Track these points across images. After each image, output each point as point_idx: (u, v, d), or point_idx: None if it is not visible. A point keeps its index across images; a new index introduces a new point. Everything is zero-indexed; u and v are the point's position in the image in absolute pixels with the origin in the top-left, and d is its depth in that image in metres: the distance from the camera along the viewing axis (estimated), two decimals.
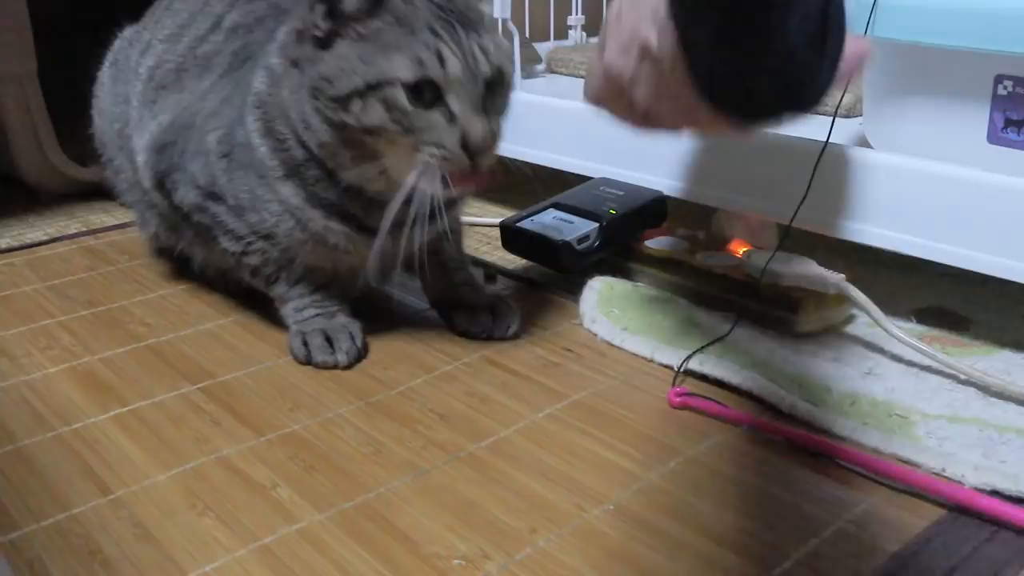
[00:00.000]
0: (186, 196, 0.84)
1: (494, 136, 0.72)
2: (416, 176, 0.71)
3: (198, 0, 0.94)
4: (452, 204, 0.81)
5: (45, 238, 1.16)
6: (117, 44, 1.04)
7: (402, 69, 0.69)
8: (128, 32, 1.03)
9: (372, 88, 0.69)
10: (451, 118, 0.70)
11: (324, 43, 0.72)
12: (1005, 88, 0.80)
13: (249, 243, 0.82)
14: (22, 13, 1.21)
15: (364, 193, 0.77)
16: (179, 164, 0.85)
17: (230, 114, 0.81)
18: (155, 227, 0.97)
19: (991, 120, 0.81)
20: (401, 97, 0.69)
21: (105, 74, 1.02)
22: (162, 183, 0.87)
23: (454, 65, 0.69)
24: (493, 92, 0.72)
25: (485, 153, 0.71)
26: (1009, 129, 0.81)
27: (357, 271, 0.84)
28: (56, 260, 1.08)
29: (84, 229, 1.19)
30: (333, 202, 0.78)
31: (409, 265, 0.85)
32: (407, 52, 0.69)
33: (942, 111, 0.84)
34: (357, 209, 0.78)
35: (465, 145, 0.70)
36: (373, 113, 0.70)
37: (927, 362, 0.78)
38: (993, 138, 0.82)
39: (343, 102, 0.71)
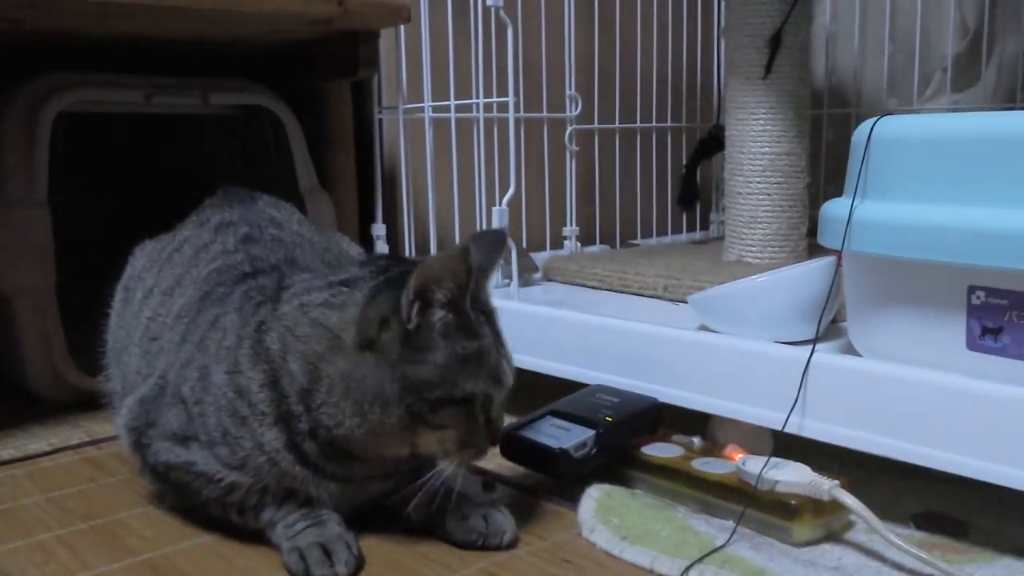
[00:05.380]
0: (159, 452, 0.88)
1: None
2: (447, 463, 0.82)
3: (191, 253, 1.02)
4: None
5: (48, 448, 1.17)
6: (129, 270, 1.09)
7: (489, 386, 0.80)
8: (140, 260, 1.09)
9: (466, 400, 0.79)
10: (488, 421, 0.82)
11: (410, 339, 0.78)
12: (978, 298, 0.84)
13: (221, 479, 0.84)
14: (46, 230, 1.27)
15: (343, 451, 0.82)
16: (152, 421, 0.89)
17: (202, 361, 0.86)
18: None
19: (968, 328, 0.85)
20: (477, 407, 0.80)
21: (117, 296, 1.08)
22: (138, 441, 0.91)
23: (509, 380, 0.83)
24: None
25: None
26: (987, 337, 0.84)
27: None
28: (58, 471, 1.09)
29: (87, 439, 1.20)
30: (305, 453, 0.82)
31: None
32: (488, 369, 0.80)
33: (922, 320, 0.88)
34: (326, 462, 0.83)
35: (492, 440, 0.83)
36: (454, 418, 0.80)
37: (928, 570, 0.78)
38: (972, 345, 0.85)
39: (433, 404, 0.78)
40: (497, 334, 0.83)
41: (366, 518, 0.89)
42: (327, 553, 0.81)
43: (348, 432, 0.80)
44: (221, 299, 0.91)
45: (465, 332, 0.79)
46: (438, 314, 0.78)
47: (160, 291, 1.00)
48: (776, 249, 1.45)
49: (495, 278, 1.45)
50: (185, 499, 0.90)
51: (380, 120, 1.63)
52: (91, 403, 1.31)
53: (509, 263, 1.40)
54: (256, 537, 0.87)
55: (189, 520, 0.93)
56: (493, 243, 0.89)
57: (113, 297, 1.09)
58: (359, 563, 0.82)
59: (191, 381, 0.86)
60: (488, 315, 0.83)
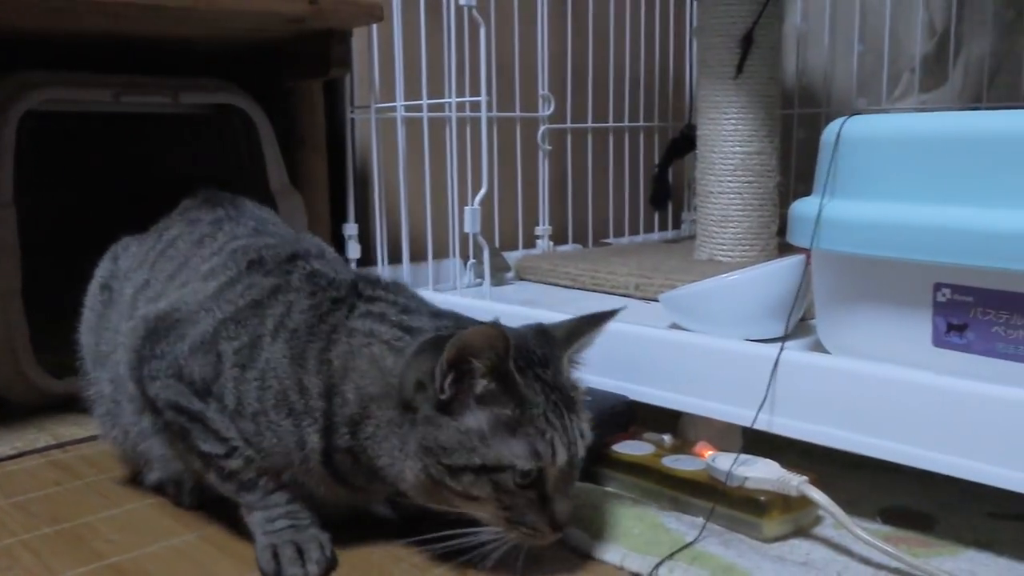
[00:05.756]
0: (167, 390, 0.84)
1: (572, 511, 0.79)
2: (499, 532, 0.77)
3: (190, 244, 0.98)
4: None
5: (13, 452, 1.16)
6: (109, 268, 1.04)
7: (521, 458, 0.74)
8: (125, 260, 1.04)
9: (488, 470, 0.74)
10: (543, 499, 0.76)
11: (445, 407, 0.75)
12: (944, 295, 0.85)
13: (235, 447, 0.82)
14: (12, 231, 1.25)
15: (378, 475, 0.80)
16: (164, 353, 0.85)
17: (257, 329, 0.83)
18: (120, 443, 0.98)
19: (934, 325, 0.86)
20: (510, 481, 0.74)
21: (95, 296, 1.03)
22: (141, 375, 0.86)
23: (562, 456, 0.76)
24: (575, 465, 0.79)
25: (566, 527, 0.77)
26: (952, 333, 0.85)
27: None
28: (23, 475, 1.08)
29: (53, 442, 1.19)
30: (336, 464, 0.81)
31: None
32: (525, 441, 0.75)
33: (889, 317, 0.89)
34: (355, 477, 0.81)
35: (552, 523, 0.76)
36: (480, 488, 0.75)
37: (895, 564, 0.79)
38: (938, 341, 0.86)
39: (454, 471, 0.75)
40: (562, 408, 0.77)
41: (344, 520, 0.89)
42: (300, 552, 0.81)
43: (391, 474, 0.78)
44: (275, 272, 0.88)
45: (506, 399, 0.75)
46: (480, 384, 0.75)
47: (160, 281, 0.96)
48: (747, 248, 1.46)
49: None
50: (173, 439, 0.87)
51: (352, 120, 1.62)
52: (57, 406, 1.29)
53: (482, 263, 1.40)
54: (225, 537, 0.86)
55: (158, 522, 0.92)
56: (592, 319, 0.86)
57: (87, 297, 1.04)
58: (331, 564, 0.81)
59: (238, 342, 0.82)
60: (559, 389, 0.78)
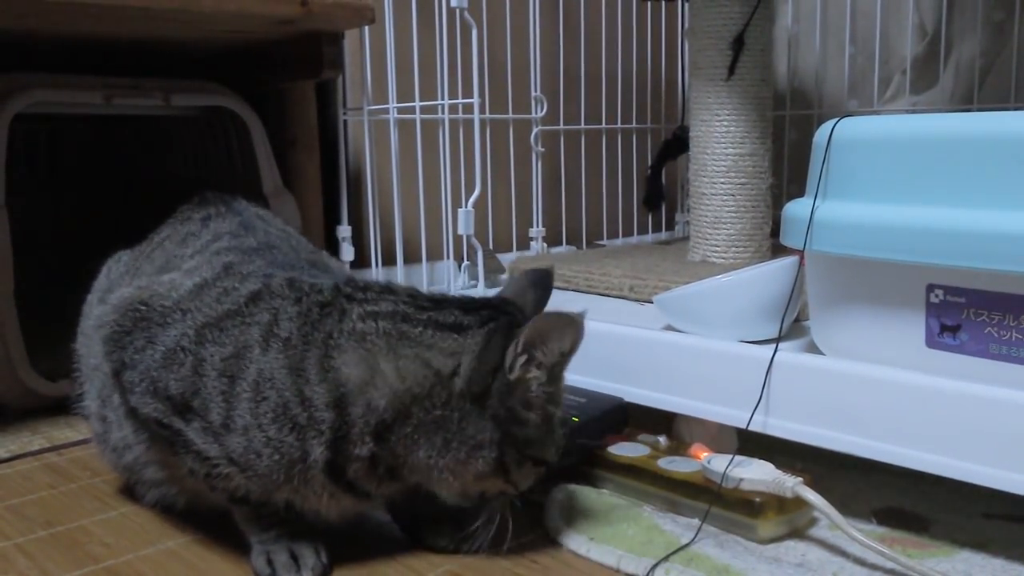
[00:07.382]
0: (141, 406, 0.81)
1: None
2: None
3: (177, 241, 0.97)
4: None
5: (7, 455, 1.15)
6: (104, 282, 1.02)
7: (554, 453, 0.83)
8: (118, 268, 1.02)
9: (542, 463, 0.82)
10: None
11: (514, 393, 0.78)
12: (937, 296, 0.85)
13: (217, 466, 0.78)
14: (5, 235, 1.25)
15: (395, 474, 0.78)
16: (134, 363, 0.81)
17: (242, 337, 0.78)
18: (115, 464, 0.95)
19: (927, 326, 0.86)
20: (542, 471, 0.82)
21: (91, 302, 1.01)
22: (120, 379, 0.83)
23: None
24: None
25: None
26: (945, 334, 0.85)
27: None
28: (17, 478, 1.07)
29: (47, 445, 1.19)
30: (343, 472, 0.78)
31: None
32: (556, 439, 0.82)
33: (883, 318, 0.89)
34: (365, 482, 0.79)
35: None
36: (527, 476, 0.81)
37: (890, 565, 0.79)
38: (931, 343, 0.86)
39: (522, 461, 0.79)
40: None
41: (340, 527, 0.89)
42: (294, 557, 0.80)
43: (422, 464, 0.77)
44: (254, 277, 0.84)
45: (555, 398, 0.80)
46: (533, 373, 0.78)
47: (148, 273, 0.94)
48: (740, 249, 1.46)
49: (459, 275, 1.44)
50: (162, 447, 0.84)
51: (345, 121, 1.62)
52: (51, 409, 1.29)
53: (476, 264, 1.40)
54: (221, 540, 0.86)
55: (152, 525, 0.92)
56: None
57: (84, 308, 1.01)
58: (326, 570, 0.81)
59: (224, 352, 0.78)
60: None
